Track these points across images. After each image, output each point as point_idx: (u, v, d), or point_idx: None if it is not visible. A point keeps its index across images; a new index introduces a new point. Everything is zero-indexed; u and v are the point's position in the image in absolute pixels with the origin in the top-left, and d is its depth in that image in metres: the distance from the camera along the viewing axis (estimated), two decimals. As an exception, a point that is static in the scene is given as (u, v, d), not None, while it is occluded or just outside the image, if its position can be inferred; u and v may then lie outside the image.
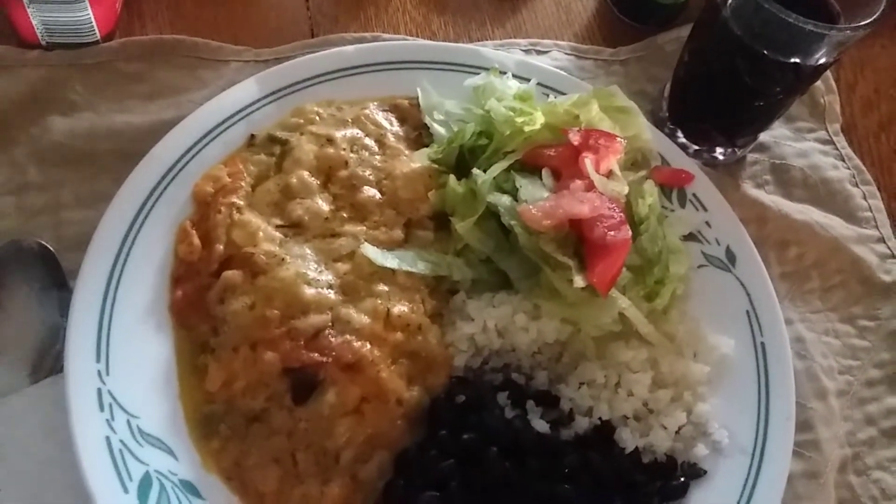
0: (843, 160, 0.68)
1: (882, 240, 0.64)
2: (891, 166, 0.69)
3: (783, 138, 0.68)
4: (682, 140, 0.65)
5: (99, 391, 0.45)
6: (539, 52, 0.69)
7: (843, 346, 0.60)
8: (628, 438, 0.50)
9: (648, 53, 0.70)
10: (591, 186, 0.53)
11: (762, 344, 0.55)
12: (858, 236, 0.64)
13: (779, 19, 0.50)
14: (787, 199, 0.65)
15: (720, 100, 0.61)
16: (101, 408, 0.45)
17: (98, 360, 0.46)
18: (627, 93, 0.66)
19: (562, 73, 0.64)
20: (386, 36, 0.66)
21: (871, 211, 0.66)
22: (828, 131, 0.69)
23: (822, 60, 0.55)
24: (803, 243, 0.62)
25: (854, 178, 0.67)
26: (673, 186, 0.60)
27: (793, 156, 0.67)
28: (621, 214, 0.52)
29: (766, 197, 0.64)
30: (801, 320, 0.60)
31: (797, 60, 0.54)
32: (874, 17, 0.52)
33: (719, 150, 0.65)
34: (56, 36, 0.58)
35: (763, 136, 0.67)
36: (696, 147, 0.65)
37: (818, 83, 0.70)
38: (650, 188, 0.57)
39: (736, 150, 0.65)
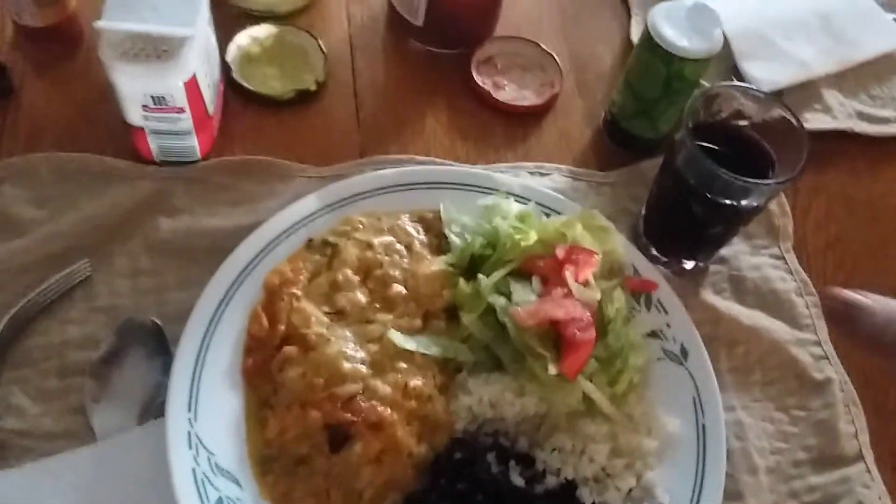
0: (792, 273, 0.81)
1: (818, 343, 0.77)
2: (833, 278, 0.82)
3: (741, 253, 0.82)
4: (655, 253, 0.80)
5: (189, 433, 0.60)
6: (542, 174, 0.84)
7: (777, 431, 0.72)
8: (587, 496, 0.63)
9: (632, 177, 0.85)
10: (569, 294, 0.68)
11: (703, 426, 0.68)
12: (797, 339, 0.77)
13: (715, 173, 0.65)
14: (740, 304, 0.79)
15: (680, 226, 0.75)
16: (190, 446, 0.60)
17: (189, 410, 0.61)
18: (613, 210, 0.82)
19: (557, 195, 0.79)
20: (419, 158, 0.82)
21: (812, 318, 0.79)
22: (780, 249, 0.83)
23: (756, 204, 0.69)
24: (750, 343, 0.76)
25: (800, 289, 0.80)
26: (641, 292, 0.75)
27: (748, 268, 0.81)
28: (590, 318, 0.66)
29: (721, 303, 0.78)
30: (742, 408, 0.73)
31: (735, 203, 0.69)
32: (793, 174, 0.66)
33: (686, 262, 0.80)
34: (167, 156, 0.75)
35: (725, 251, 0.81)
36: (666, 259, 0.80)
37: (774, 208, 0.84)
38: (619, 295, 0.71)
39: (699, 263, 0.80)
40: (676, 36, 0.75)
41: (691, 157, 0.67)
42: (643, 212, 0.80)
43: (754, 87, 0.71)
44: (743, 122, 0.72)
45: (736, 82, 0.74)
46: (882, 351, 0.46)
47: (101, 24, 0.64)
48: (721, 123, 0.72)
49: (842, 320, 0.49)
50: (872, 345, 0.47)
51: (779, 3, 1.02)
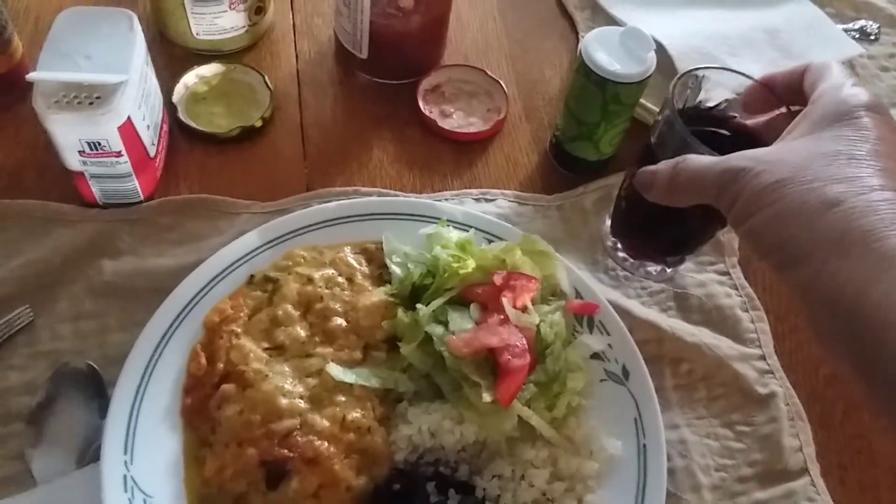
0: (737, 289, 0.82)
1: (763, 357, 0.77)
2: (778, 291, 0.83)
3: (686, 270, 0.82)
4: (622, 253, 0.80)
5: (125, 476, 0.60)
6: (487, 201, 0.85)
7: (721, 448, 0.72)
8: (527, 521, 0.64)
9: (578, 200, 0.86)
10: (506, 320, 0.69)
11: (644, 445, 0.68)
12: (741, 355, 0.77)
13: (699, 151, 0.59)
14: (686, 322, 0.79)
15: (649, 224, 0.74)
16: (126, 489, 0.60)
17: (125, 453, 0.61)
18: (563, 231, 0.83)
19: (499, 221, 0.80)
20: (364, 189, 0.83)
21: (757, 332, 0.79)
22: (726, 264, 0.84)
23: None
24: (693, 360, 0.76)
25: (745, 304, 0.81)
26: (583, 314, 0.75)
27: (693, 285, 0.81)
28: (525, 344, 0.67)
29: (665, 321, 0.77)
30: (686, 425, 0.73)
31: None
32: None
33: (651, 266, 0.80)
34: (110, 199, 0.76)
35: (669, 270, 0.82)
36: (633, 260, 0.80)
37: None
38: (557, 318, 0.71)
39: (666, 268, 0.80)
40: (609, 61, 0.76)
41: (673, 137, 0.63)
42: (611, 209, 0.80)
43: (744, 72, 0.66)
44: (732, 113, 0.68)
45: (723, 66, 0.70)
46: (678, 194, 0.59)
47: (33, 75, 0.66)
48: (708, 110, 0.69)
49: (645, 186, 0.62)
50: (670, 192, 0.60)
51: (722, 21, 1.03)
